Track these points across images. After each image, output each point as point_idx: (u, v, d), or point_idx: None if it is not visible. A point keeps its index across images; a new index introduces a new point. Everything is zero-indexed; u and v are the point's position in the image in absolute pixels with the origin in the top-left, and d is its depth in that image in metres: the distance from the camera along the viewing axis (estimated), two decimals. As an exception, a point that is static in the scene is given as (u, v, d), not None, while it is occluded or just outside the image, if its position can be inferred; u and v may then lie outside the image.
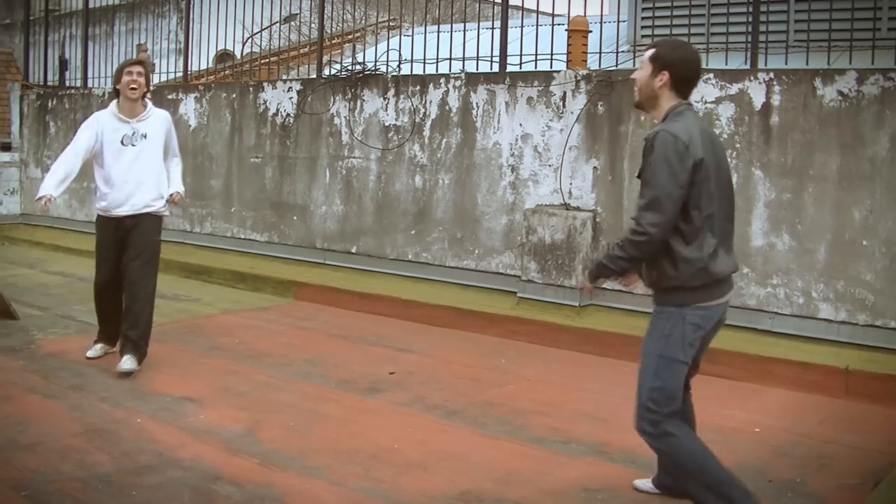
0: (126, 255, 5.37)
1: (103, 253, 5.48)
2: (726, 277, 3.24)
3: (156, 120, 5.44)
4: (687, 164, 3.07)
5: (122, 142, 5.30)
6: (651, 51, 3.32)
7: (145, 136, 5.35)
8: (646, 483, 3.69)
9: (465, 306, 6.91)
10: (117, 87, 5.37)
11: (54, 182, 5.22)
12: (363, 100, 8.26)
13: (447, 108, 7.68)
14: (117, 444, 4.10)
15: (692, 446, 3.24)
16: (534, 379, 5.49)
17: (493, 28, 7.87)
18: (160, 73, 11.44)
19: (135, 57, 5.79)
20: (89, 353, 5.61)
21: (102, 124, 5.33)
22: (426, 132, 7.82)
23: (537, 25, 7.80)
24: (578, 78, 6.88)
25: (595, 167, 6.80)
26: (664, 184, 3.06)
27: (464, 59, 7.73)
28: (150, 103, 5.47)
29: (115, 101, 5.40)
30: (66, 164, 5.28)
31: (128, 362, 5.23)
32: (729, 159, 6.11)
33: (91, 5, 11.71)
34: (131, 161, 5.32)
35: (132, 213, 5.33)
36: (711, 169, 3.14)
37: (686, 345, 3.20)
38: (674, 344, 3.20)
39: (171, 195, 5.51)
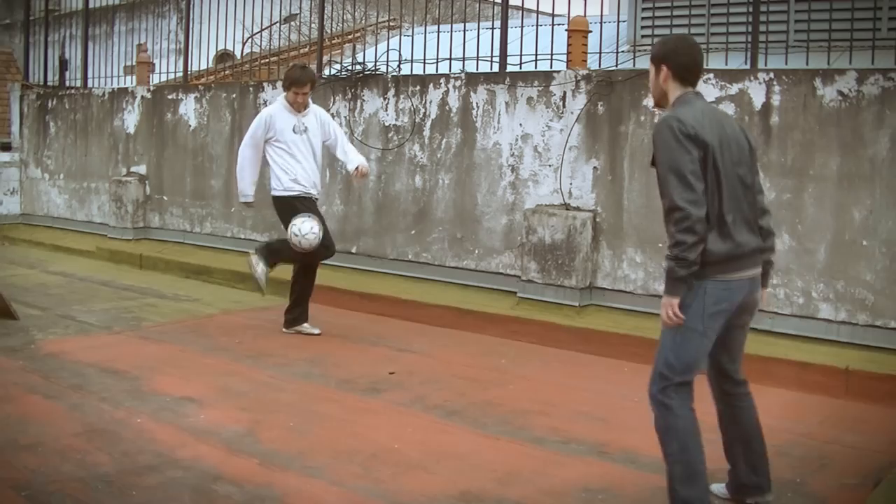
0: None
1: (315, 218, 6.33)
2: (742, 253, 3.24)
3: (311, 114, 6.47)
4: (691, 144, 3.14)
5: (293, 130, 6.36)
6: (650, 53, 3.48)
7: (306, 129, 6.41)
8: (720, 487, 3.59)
9: (465, 306, 6.91)
10: (288, 90, 6.41)
11: (248, 184, 6.52)
12: (363, 100, 8.26)
13: (447, 108, 7.68)
14: (117, 444, 4.10)
15: (681, 426, 3.23)
16: (534, 379, 5.49)
17: (493, 28, 7.86)
18: (160, 73, 11.43)
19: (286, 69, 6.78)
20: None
21: (273, 116, 6.38)
22: (426, 132, 7.82)
23: (537, 25, 7.79)
24: (578, 78, 6.88)
25: (595, 167, 6.80)
26: (679, 161, 3.12)
27: (464, 59, 7.72)
28: (309, 101, 6.49)
29: (284, 97, 6.42)
30: (250, 158, 6.45)
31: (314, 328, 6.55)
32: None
33: (91, 5, 11.71)
34: (305, 145, 6.40)
35: (316, 194, 6.57)
36: (717, 150, 3.19)
37: (706, 315, 3.21)
38: (693, 314, 3.21)
39: (358, 168, 6.48)
